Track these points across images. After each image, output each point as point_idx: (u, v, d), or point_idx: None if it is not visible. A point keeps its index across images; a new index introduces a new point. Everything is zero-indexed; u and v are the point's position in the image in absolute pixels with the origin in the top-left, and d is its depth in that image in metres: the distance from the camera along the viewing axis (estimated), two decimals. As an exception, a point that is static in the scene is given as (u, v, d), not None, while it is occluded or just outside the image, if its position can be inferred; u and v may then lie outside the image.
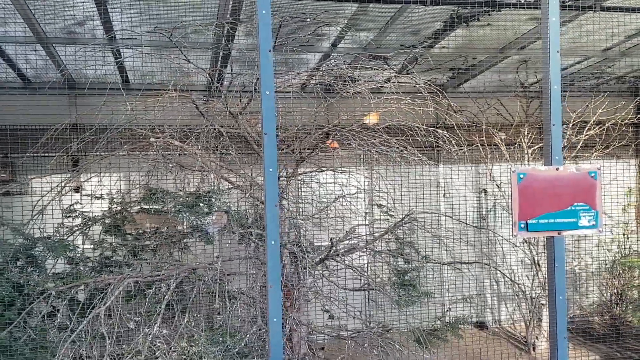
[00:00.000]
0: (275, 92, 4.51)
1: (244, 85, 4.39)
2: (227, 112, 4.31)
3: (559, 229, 3.09)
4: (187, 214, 4.29)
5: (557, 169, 3.10)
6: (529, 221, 3.05)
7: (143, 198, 4.46)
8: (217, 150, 4.48)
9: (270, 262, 2.84)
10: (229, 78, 4.69)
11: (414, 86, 5.03)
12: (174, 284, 4.65)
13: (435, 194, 7.90)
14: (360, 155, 6.34)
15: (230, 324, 4.89)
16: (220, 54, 5.48)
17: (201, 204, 4.34)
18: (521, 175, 3.06)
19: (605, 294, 7.88)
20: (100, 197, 4.82)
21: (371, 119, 5.08)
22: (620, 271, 7.57)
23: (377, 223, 5.59)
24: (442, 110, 5.65)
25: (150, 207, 4.56)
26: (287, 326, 4.30)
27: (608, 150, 7.40)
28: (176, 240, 4.77)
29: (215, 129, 4.40)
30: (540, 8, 5.01)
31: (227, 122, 4.48)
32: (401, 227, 5.26)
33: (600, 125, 7.17)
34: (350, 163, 5.48)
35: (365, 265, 5.21)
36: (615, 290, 7.65)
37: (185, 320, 4.75)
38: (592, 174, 3.14)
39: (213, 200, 4.48)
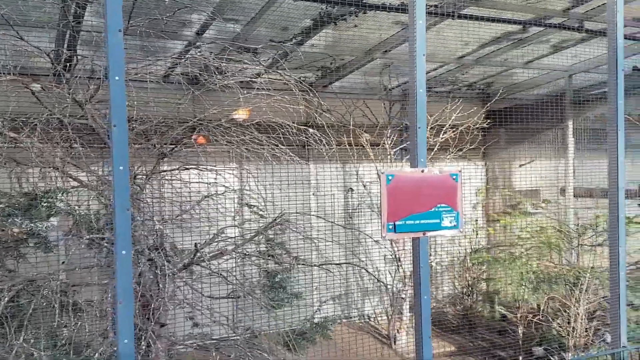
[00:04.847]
0: (131, 79, 4.06)
1: (93, 70, 3.87)
2: (72, 100, 3.75)
3: (423, 230, 3.14)
4: (20, 217, 3.66)
5: (422, 171, 3.14)
6: (396, 222, 3.05)
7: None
8: (59, 143, 3.89)
9: (120, 275, 2.47)
10: (75, 60, 4.12)
11: (285, 83, 4.90)
12: (7, 298, 3.99)
13: (305, 192, 7.89)
14: (229, 152, 6.05)
15: (77, 340, 4.33)
16: (67, 34, 4.84)
17: (39, 206, 3.74)
18: (389, 177, 3.04)
19: (457, 287, 8.51)
20: None
21: (240, 115, 4.83)
22: (471, 265, 8.22)
23: (247, 224, 5.35)
24: (312, 109, 5.59)
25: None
26: (144, 342, 3.89)
27: (461, 153, 7.98)
28: (9, 247, 4.08)
29: (57, 119, 3.82)
30: (404, 12, 5.18)
31: (72, 111, 3.91)
32: (272, 228, 5.09)
33: (455, 129, 7.70)
34: (218, 160, 5.18)
35: (234, 270, 4.95)
36: (466, 283, 8.28)
37: (22, 338, 4.11)
38: (454, 176, 3.24)
39: (55, 201, 3.89)
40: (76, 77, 3.82)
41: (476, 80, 8.60)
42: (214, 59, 4.52)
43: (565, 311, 5.98)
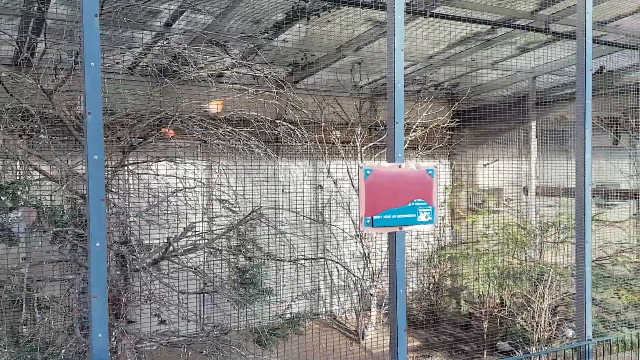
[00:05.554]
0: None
1: (60, 59, 3.72)
2: (40, 89, 3.60)
3: (400, 225, 3.16)
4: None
5: (400, 166, 3.17)
6: (374, 217, 3.06)
7: None
8: (24, 133, 3.74)
9: (95, 268, 2.39)
10: (43, 49, 3.96)
11: (255, 78, 4.84)
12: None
13: (275, 188, 7.83)
14: (197, 146, 5.95)
15: (41, 337, 4.17)
16: (32, 22, 4.65)
17: (2, 198, 3.58)
18: (368, 171, 3.05)
19: (423, 283, 8.62)
20: None
21: (216, 107, 4.76)
22: (437, 261, 8.34)
23: (218, 219, 5.27)
24: (285, 104, 5.56)
25: None
26: (113, 338, 3.78)
27: (429, 152, 8.09)
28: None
29: (23, 108, 3.66)
30: (377, 8, 5.20)
31: (39, 101, 3.76)
32: (244, 223, 5.03)
33: (424, 128, 7.80)
34: (187, 154, 5.08)
35: (203, 265, 4.86)
36: (432, 279, 8.40)
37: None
38: (430, 172, 3.27)
39: (18, 193, 3.73)
40: (44, 67, 3.66)
41: (444, 80, 8.73)
42: (185, 49, 4.43)
43: (529, 306, 6.15)
